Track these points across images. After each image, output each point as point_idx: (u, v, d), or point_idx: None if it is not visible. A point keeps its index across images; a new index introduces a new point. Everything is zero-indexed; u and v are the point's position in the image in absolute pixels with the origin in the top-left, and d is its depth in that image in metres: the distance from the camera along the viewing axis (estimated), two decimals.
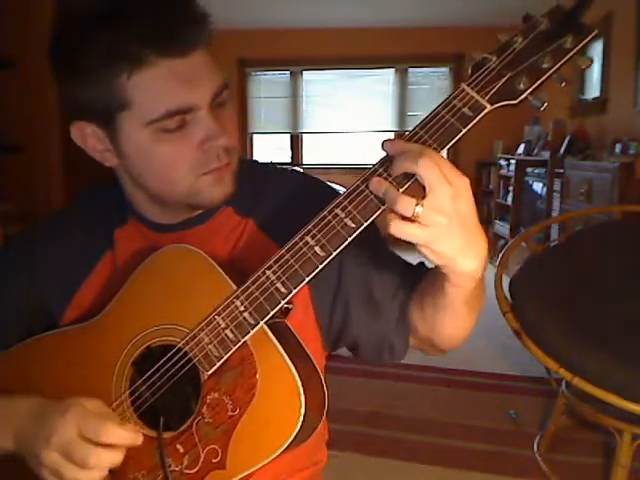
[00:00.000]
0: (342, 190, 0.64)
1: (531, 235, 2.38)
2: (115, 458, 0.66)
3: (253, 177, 0.84)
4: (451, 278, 0.62)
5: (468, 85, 0.62)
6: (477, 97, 0.62)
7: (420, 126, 0.62)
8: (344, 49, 5.93)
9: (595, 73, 4.20)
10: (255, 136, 6.46)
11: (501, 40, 0.64)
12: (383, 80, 6.13)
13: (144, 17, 0.65)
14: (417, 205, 0.56)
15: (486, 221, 5.84)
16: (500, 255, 2.20)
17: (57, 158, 3.28)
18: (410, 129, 0.62)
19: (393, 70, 6.08)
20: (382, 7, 5.17)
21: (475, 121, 0.62)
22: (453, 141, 0.61)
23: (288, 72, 6.22)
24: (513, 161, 4.85)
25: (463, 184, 0.57)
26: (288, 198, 0.82)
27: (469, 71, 0.63)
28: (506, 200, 5.00)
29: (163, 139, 0.69)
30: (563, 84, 0.64)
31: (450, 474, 2.02)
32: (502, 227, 5.04)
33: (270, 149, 6.53)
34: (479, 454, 2.13)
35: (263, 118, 6.36)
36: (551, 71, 0.62)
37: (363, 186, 0.61)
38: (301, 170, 0.94)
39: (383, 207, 0.61)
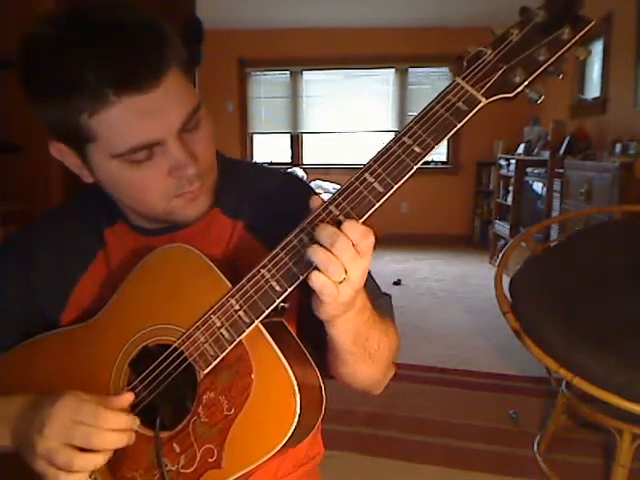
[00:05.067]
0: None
1: (531, 235, 2.38)
2: (120, 440, 0.66)
3: (240, 178, 0.85)
4: (330, 331, 0.68)
5: (463, 79, 0.62)
6: (472, 91, 0.61)
7: (414, 121, 0.62)
8: (344, 49, 5.93)
9: (595, 73, 4.19)
10: (255, 136, 6.46)
11: (497, 33, 0.63)
12: (383, 80, 6.14)
13: (102, 57, 0.63)
14: (345, 274, 0.60)
15: (486, 221, 5.85)
16: (500, 255, 2.20)
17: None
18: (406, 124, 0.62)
19: (393, 70, 6.08)
20: (382, 7, 5.17)
21: (470, 115, 0.61)
22: (448, 136, 0.61)
23: (288, 72, 6.22)
24: (513, 161, 4.84)
25: (369, 254, 0.61)
26: (275, 199, 0.82)
27: (464, 64, 0.63)
28: (506, 200, 5.00)
29: (132, 168, 0.69)
30: (560, 76, 0.63)
31: (450, 474, 2.02)
32: (502, 227, 5.04)
33: (270, 149, 6.52)
34: (479, 454, 2.13)
35: (263, 118, 6.37)
36: (547, 63, 0.61)
37: (357, 182, 0.62)
38: (290, 170, 0.94)
39: (379, 202, 0.61)
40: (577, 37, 0.60)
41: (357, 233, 0.59)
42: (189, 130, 0.70)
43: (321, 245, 0.59)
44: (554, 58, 0.61)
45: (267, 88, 6.32)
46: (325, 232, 0.59)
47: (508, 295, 1.96)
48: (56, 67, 0.65)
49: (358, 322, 0.68)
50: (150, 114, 0.66)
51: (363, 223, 0.61)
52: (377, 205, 0.61)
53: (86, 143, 0.69)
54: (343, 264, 0.59)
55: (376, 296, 0.84)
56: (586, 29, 0.60)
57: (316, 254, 0.59)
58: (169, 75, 0.66)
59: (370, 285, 0.85)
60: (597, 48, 4.10)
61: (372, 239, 0.60)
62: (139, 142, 0.67)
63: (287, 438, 0.62)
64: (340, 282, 0.59)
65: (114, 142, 0.67)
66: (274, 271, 0.63)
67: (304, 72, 6.21)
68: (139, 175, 0.70)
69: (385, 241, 5.87)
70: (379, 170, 0.61)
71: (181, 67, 0.69)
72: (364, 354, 0.72)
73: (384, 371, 0.79)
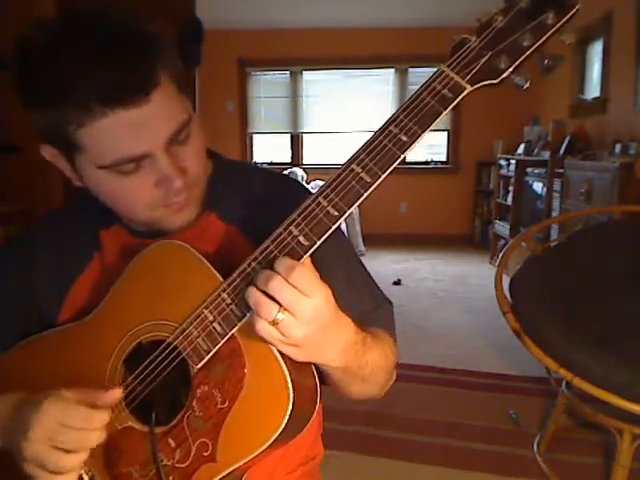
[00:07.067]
0: None
1: (531, 235, 2.38)
2: (101, 436, 0.66)
3: (237, 180, 0.85)
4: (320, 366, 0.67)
5: (448, 67, 0.62)
6: (457, 78, 0.61)
7: (401, 109, 0.62)
8: (344, 49, 5.94)
9: (595, 73, 4.20)
10: (255, 136, 6.47)
11: (481, 21, 0.63)
12: (383, 80, 6.14)
13: (91, 70, 0.63)
14: (279, 312, 0.58)
15: (486, 221, 5.85)
16: (500, 255, 2.20)
17: None
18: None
19: (393, 70, 6.09)
20: (382, 7, 5.17)
21: (455, 102, 0.61)
22: (434, 123, 0.61)
23: (288, 72, 6.23)
24: (513, 161, 4.84)
25: (321, 295, 0.59)
26: (271, 202, 0.81)
27: (449, 52, 0.63)
28: (506, 200, 5.00)
29: (119, 178, 0.70)
30: (546, 62, 0.63)
31: (450, 474, 2.02)
32: (502, 227, 5.04)
33: (270, 149, 6.53)
34: (479, 454, 2.13)
35: (263, 118, 6.37)
36: (532, 48, 0.61)
37: (344, 173, 0.62)
38: (290, 170, 0.94)
39: (367, 192, 0.61)
40: (562, 22, 0.60)
41: (284, 269, 0.58)
42: (179, 142, 0.70)
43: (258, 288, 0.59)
44: (538, 43, 0.61)
45: (267, 88, 6.33)
46: (261, 276, 0.59)
47: (508, 295, 1.96)
48: (46, 76, 0.65)
49: (346, 359, 0.67)
50: (137, 128, 0.65)
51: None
52: (365, 195, 0.61)
53: (74, 152, 0.69)
54: (284, 304, 0.58)
55: (376, 306, 0.84)
56: (570, 13, 0.60)
57: (249, 297, 0.59)
58: (159, 89, 0.66)
59: (366, 295, 0.84)
60: (597, 48, 4.10)
61: (302, 272, 0.58)
62: (126, 155, 0.67)
63: (280, 430, 0.62)
64: (276, 323, 0.58)
65: (101, 154, 0.67)
66: (264, 264, 0.63)
67: (304, 72, 6.21)
68: (126, 185, 0.70)
69: (385, 241, 5.88)
70: (366, 160, 0.61)
71: (173, 79, 0.68)
72: (357, 379, 0.72)
73: (381, 386, 0.80)
